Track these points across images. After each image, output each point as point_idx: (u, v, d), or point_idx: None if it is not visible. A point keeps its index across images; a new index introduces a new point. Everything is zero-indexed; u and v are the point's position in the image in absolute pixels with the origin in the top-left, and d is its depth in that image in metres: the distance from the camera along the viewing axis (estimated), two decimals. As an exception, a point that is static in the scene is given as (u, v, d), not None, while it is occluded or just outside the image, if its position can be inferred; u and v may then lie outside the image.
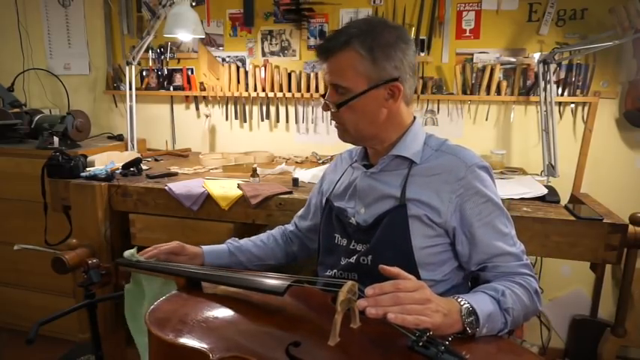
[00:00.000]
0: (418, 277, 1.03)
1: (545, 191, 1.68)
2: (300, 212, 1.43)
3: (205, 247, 1.28)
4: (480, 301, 0.92)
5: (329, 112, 1.13)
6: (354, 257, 1.10)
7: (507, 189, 1.70)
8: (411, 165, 1.09)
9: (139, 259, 1.19)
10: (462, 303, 0.89)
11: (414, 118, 1.15)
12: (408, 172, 1.08)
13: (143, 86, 2.65)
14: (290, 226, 1.43)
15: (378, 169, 1.13)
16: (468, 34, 2.24)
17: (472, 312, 0.88)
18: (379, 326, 0.89)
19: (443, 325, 0.83)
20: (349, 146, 1.31)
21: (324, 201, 1.27)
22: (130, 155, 2.13)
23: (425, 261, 1.04)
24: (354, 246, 1.12)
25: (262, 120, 2.58)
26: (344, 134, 1.14)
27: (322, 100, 1.14)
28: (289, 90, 2.44)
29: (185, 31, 2.18)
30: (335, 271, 1.14)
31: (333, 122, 1.15)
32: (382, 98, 1.06)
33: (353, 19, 2.33)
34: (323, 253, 1.22)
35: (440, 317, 0.83)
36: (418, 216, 1.04)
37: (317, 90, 2.38)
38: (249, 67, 2.52)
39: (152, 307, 1.00)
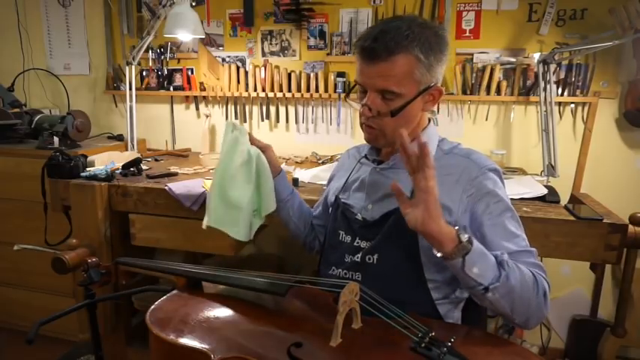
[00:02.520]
0: (422, 277, 1.03)
1: (545, 191, 1.68)
2: (315, 211, 1.45)
3: (283, 171, 1.35)
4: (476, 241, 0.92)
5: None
6: (359, 255, 1.10)
7: (507, 189, 1.69)
8: None
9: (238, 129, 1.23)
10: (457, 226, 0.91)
11: (429, 120, 1.15)
12: None
13: (143, 86, 2.65)
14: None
15: (389, 165, 1.13)
16: (468, 34, 2.24)
17: (467, 234, 0.90)
18: (381, 327, 0.89)
19: (440, 215, 0.88)
20: (349, 146, 1.31)
21: (332, 199, 1.27)
22: (130, 155, 2.13)
23: (431, 261, 1.04)
24: (358, 243, 1.11)
25: (262, 120, 2.57)
26: (377, 139, 1.10)
27: (354, 104, 1.09)
28: (289, 90, 2.44)
29: (185, 31, 2.18)
30: (340, 270, 1.13)
31: (365, 126, 1.09)
32: (424, 102, 1.07)
33: (353, 19, 2.33)
34: (327, 249, 1.22)
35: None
36: None
37: (317, 90, 2.38)
38: (249, 67, 2.52)
39: (153, 306, 1.00)
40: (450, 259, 0.88)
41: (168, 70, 2.62)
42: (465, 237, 0.88)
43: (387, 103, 1.03)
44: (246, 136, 1.25)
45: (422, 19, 1.05)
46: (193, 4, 2.24)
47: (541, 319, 0.97)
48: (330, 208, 1.27)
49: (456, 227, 0.90)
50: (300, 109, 2.51)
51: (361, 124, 1.11)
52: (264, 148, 1.28)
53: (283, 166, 2.10)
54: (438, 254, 0.89)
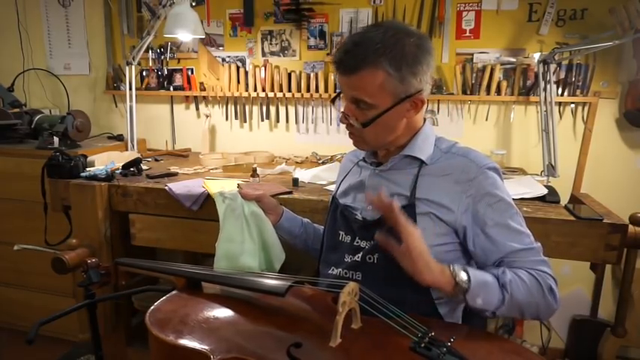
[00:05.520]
0: (422, 278, 1.03)
1: (545, 191, 1.68)
2: None
3: (286, 209, 1.36)
4: (477, 271, 0.95)
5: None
6: (360, 255, 1.10)
7: (507, 189, 1.70)
8: (421, 165, 1.10)
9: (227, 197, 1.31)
10: (452, 265, 0.94)
11: (425, 120, 1.16)
12: (418, 172, 1.09)
13: (143, 86, 2.65)
14: None
15: (387, 167, 1.14)
16: (468, 34, 2.24)
17: (464, 270, 0.92)
18: (381, 327, 0.89)
19: (430, 263, 0.90)
20: (349, 147, 1.31)
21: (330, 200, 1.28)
22: (130, 155, 2.13)
23: None
24: (357, 242, 1.12)
25: (262, 120, 2.57)
26: (361, 144, 1.13)
27: (338, 110, 1.13)
28: (289, 90, 2.44)
29: (185, 31, 2.18)
30: (340, 270, 1.14)
31: (347, 131, 1.12)
32: (404, 110, 1.07)
33: (353, 19, 2.33)
34: (326, 250, 1.22)
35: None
36: (427, 214, 1.05)
37: (317, 90, 2.38)
38: (249, 67, 2.52)
39: (152, 307, 1.00)
40: (451, 297, 0.94)
41: (168, 70, 2.62)
42: (461, 277, 0.92)
43: (363, 112, 1.04)
44: (238, 199, 1.29)
45: (402, 27, 1.02)
46: (193, 4, 2.24)
47: (553, 312, 1.03)
48: (328, 209, 1.27)
49: (451, 267, 0.93)
50: (300, 109, 2.51)
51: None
52: (259, 198, 1.30)
53: (283, 166, 2.10)
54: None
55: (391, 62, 0.98)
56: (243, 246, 1.25)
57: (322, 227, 1.40)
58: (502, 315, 0.98)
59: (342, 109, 1.08)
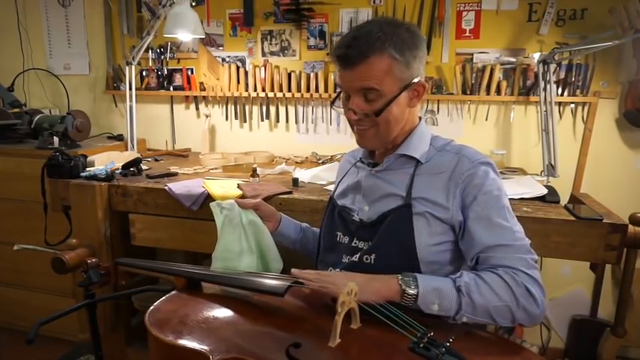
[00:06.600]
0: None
1: (545, 191, 1.68)
2: None
3: (284, 215, 1.36)
4: (428, 276, 0.96)
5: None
6: (357, 255, 1.10)
7: (507, 189, 1.68)
8: (416, 164, 1.10)
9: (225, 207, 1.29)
10: (400, 275, 0.96)
11: (420, 118, 1.16)
12: (414, 172, 1.09)
13: (143, 86, 2.65)
14: None
15: (383, 167, 1.14)
16: (467, 34, 2.24)
17: (412, 276, 0.94)
18: (380, 327, 0.89)
19: (362, 288, 0.91)
20: (349, 147, 1.31)
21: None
22: (130, 155, 2.13)
23: (428, 259, 1.04)
24: (355, 243, 1.12)
25: (262, 120, 2.57)
26: (373, 141, 1.11)
27: (337, 112, 1.12)
28: (289, 90, 2.44)
29: (185, 31, 2.18)
30: (338, 270, 1.13)
31: (356, 129, 1.10)
32: (408, 98, 1.07)
33: (353, 19, 2.33)
34: (324, 250, 1.23)
35: (352, 282, 0.91)
36: (423, 213, 1.04)
37: (317, 90, 2.38)
38: (249, 67, 2.52)
39: (152, 307, 1.00)
40: (408, 306, 0.94)
41: (168, 70, 2.62)
42: (409, 289, 0.92)
43: (371, 104, 1.04)
44: (235, 208, 1.28)
45: (392, 18, 1.05)
46: (193, 4, 2.24)
47: (535, 317, 0.93)
48: (325, 209, 1.27)
49: (399, 277, 0.95)
50: (300, 109, 2.51)
51: (353, 129, 1.13)
52: (256, 206, 1.29)
53: (283, 166, 2.10)
54: None
55: (395, 47, 1.00)
56: (241, 255, 1.25)
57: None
58: (471, 321, 0.94)
59: (348, 106, 1.06)
